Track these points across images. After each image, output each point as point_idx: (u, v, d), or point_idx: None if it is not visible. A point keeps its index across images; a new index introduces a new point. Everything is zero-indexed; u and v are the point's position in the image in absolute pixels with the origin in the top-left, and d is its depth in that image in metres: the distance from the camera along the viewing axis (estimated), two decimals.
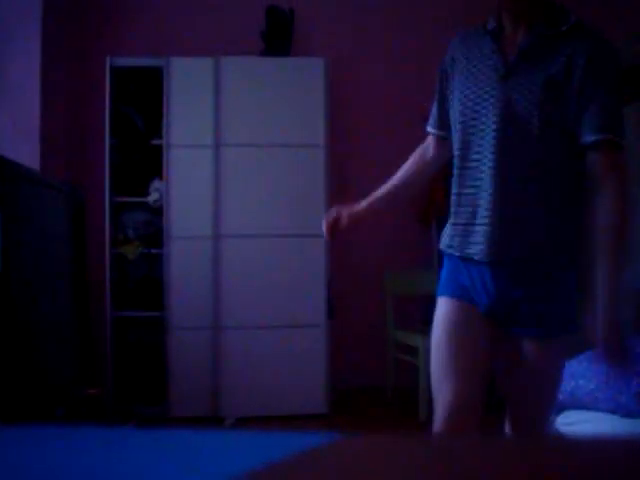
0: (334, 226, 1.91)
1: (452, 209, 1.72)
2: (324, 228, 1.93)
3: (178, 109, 3.78)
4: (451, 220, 1.73)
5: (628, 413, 2.31)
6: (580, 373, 2.54)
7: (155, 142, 3.88)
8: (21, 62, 3.62)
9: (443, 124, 1.79)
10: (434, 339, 1.66)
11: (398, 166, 2.12)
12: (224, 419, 3.68)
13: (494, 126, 1.58)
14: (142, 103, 3.97)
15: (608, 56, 1.55)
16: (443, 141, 1.82)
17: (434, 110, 1.84)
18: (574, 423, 2.48)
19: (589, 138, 1.53)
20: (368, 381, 4.37)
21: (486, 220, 1.60)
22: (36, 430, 0.60)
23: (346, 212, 1.89)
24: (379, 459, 0.49)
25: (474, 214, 1.63)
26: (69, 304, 3.01)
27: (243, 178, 3.82)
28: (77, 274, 3.16)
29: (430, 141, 1.88)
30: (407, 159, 1.94)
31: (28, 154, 3.44)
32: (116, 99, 3.87)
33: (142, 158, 4.00)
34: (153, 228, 3.95)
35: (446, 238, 1.74)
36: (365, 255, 4.49)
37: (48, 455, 0.53)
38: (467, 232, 1.65)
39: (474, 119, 1.63)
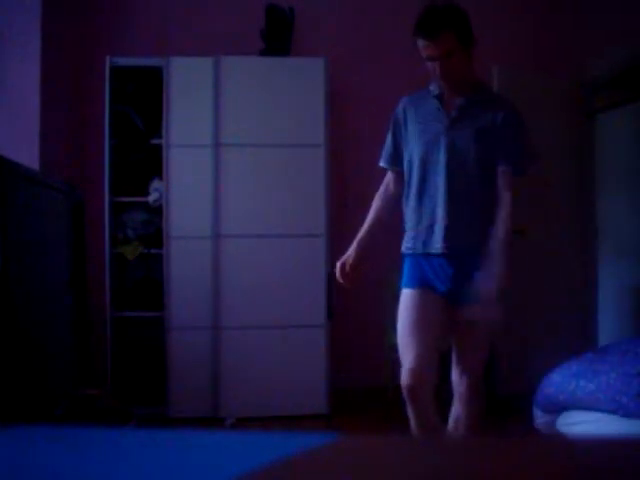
0: (344, 274, 2.43)
1: (412, 219, 2.36)
2: (340, 279, 2.44)
3: (178, 109, 3.78)
4: (411, 228, 2.37)
5: (629, 414, 2.30)
6: (581, 373, 2.54)
7: (155, 142, 3.88)
8: (21, 62, 3.62)
9: (399, 161, 2.41)
10: (400, 317, 2.38)
11: None
12: (224, 419, 3.68)
13: (444, 159, 2.27)
14: (142, 103, 3.97)
15: (516, 116, 2.32)
16: (401, 174, 2.41)
17: (390, 150, 2.45)
18: (575, 423, 2.48)
19: (499, 167, 2.29)
20: (368, 381, 4.37)
21: (443, 224, 2.27)
22: (36, 430, 0.60)
23: (344, 264, 2.42)
24: (379, 459, 0.49)
25: (433, 221, 2.30)
26: (69, 304, 3.00)
27: (243, 178, 3.82)
28: (76, 274, 3.16)
29: (390, 178, 2.47)
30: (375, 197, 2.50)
31: (28, 154, 3.43)
32: (116, 99, 3.87)
33: (142, 158, 4.00)
34: (153, 228, 3.94)
35: (409, 242, 2.38)
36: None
37: (48, 455, 0.53)
38: (429, 234, 2.31)
39: (430, 155, 2.30)
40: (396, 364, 4.13)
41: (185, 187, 3.78)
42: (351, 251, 2.43)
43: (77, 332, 3.11)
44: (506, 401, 3.69)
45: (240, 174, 3.82)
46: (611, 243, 4.20)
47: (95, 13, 4.31)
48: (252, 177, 3.82)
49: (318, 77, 3.84)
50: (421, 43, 2.18)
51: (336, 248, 4.08)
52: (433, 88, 2.35)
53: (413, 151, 2.34)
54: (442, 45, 2.16)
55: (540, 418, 2.59)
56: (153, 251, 3.88)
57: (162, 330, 3.76)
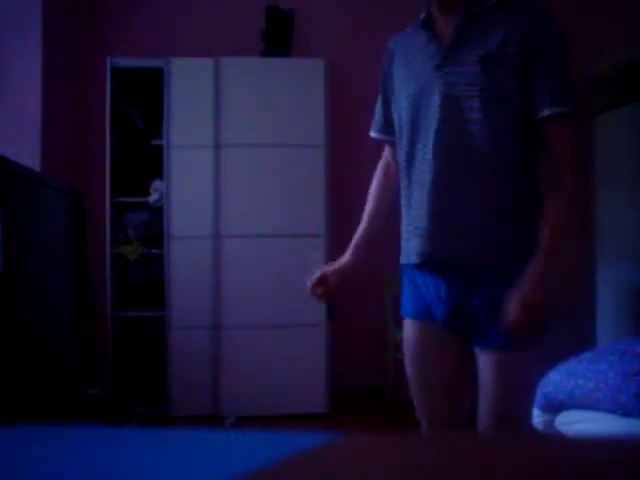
0: (319, 286, 1.74)
1: (403, 212, 1.63)
2: (308, 288, 1.72)
3: (178, 109, 3.79)
4: (403, 228, 1.64)
5: (627, 413, 2.31)
6: (580, 373, 2.54)
7: (155, 142, 3.88)
8: (21, 63, 3.62)
9: (391, 127, 1.66)
10: (405, 362, 1.65)
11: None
12: (224, 419, 3.68)
13: (435, 115, 1.48)
14: (142, 103, 3.97)
15: (545, 23, 1.43)
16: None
17: (379, 113, 1.73)
18: (574, 423, 2.48)
19: (540, 113, 1.43)
20: (368, 381, 4.37)
21: (426, 219, 1.51)
22: (36, 430, 0.60)
23: (331, 271, 1.76)
24: (379, 459, 0.49)
25: (424, 216, 1.53)
26: (69, 304, 3.01)
27: (243, 178, 3.82)
28: (77, 274, 3.16)
29: (389, 152, 1.77)
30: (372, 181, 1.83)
31: (28, 154, 3.44)
32: (117, 100, 3.87)
33: (142, 158, 4.00)
34: (153, 228, 3.95)
35: (402, 247, 1.66)
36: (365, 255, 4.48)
37: (48, 455, 0.53)
38: (417, 235, 1.56)
39: (418, 113, 1.51)
40: (399, 363, 4.13)
41: (186, 187, 3.79)
42: (347, 257, 1.81)
43: (78, 332, 3.11)
44: None
45: (240, 174, 3.82)
46: (611, 243, 4.20)
47: (95, 14, 4.32)
48: (252, 177, 3.82)
49: (318, 78, 3.85)
50: None
51: (336, 248, 4.10)
52: (422, 13, 1.57)
53: (401, 111, 1.58)
54: None
55: (539, 417, 2.59)
56: (154, 251, 3.88)
57: (163, 330, 3.76)
